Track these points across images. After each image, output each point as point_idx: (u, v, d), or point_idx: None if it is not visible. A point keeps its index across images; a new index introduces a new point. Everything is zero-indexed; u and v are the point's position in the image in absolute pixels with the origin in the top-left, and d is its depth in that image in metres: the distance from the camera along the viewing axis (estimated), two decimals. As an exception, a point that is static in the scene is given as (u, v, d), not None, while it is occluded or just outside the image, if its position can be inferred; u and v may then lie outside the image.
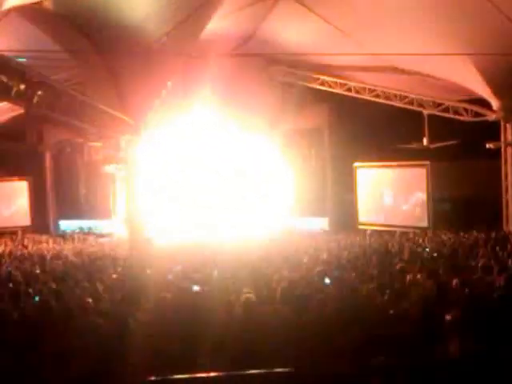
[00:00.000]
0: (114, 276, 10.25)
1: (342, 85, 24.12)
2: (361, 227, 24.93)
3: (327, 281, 9.12)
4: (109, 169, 26.28)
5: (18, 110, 22.44)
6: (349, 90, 24.00)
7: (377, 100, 23.49)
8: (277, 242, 20.98)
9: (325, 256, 14.28)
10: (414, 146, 22.42)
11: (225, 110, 25.48)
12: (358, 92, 23.83)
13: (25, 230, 27.16)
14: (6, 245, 22.36)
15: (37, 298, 8.18)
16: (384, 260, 12.19)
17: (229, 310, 6.69)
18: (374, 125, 22.53)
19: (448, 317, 5.42)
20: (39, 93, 12.82)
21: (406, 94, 22.99)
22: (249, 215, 28.20)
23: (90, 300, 7.19)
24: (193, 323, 6.18)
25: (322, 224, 26.35)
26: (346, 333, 5.64)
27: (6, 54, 11.01)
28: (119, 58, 16.42)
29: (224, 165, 30.27)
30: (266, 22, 20.60)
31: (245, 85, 24.95)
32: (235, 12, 18.92)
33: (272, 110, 26.14)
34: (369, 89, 23.65)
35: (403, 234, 21.28)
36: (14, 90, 11.53)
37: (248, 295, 6.59)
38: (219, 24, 18.73)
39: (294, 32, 20.66)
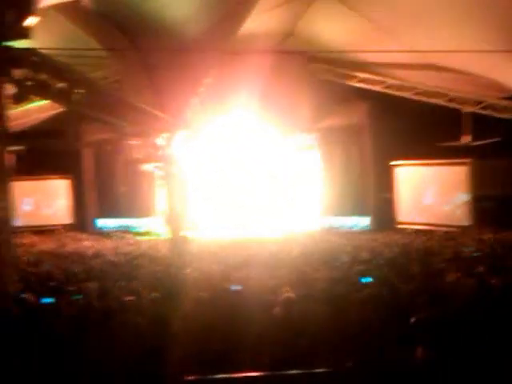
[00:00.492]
0: (153, 275, 10.21)
1: (381, 82, 23.89)
2: (401, 226, 24.62)
3: (367, 280, 8.95)
4: (148, 167, 26.46)
5: (58, 109, 22.68)
6: (388, 87, 23.78)
7: (417, 98, 23.15)
8: (316, 240, 20.86)
9: (364, 255, 14.10)
10: (456, 143, 22.03)
11: (263, 108, 25.32)
12: (397, 90, 23.57)
13: (65, 227, 27.51)
14: (46, 242, 22.63)
15: (77, 297, 8.18)
16: (425, 259, 11.99)
17: (268, 309, 6.61)
18: (414, 123, 22.13)
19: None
20: (78, 91, 12.89)
21: (446, 91, 22.61)
22: (287, 214, 28.12)
23: (130, 298, 7.17)
24: (232, 322, 6.11)
25: (361, 223, 26.02)
26: (385, 332, 5.51)
27: (45, 52, 11.02)
28: (157, 55, 16.43)
29: (261, 163, 30.25)
30: (305, 18, 20.43)
31: (284, 83, 24.83)
32: (274, 9, 18.79)
33: (311, 108, 25.98)
34: (409, 87, 23.34)
35: (444, 233, 20.96)
36: (54, 88, 11.60)
37: (288, 294, 6.52)
38: (258, 21, 18.62)
39: (333, 29, 20.46)
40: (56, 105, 20.95)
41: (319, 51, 23.24)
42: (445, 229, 22.29)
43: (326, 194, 27.11)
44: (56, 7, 13.73)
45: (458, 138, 22.09)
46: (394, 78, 23.40)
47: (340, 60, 23.74)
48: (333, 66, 25.02)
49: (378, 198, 25.95)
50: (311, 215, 27.61)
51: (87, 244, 22.58)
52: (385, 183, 25.42)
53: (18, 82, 9.95)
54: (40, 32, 9.45)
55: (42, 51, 10.83)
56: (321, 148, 27.51)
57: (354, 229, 25.71)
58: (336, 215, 26.57)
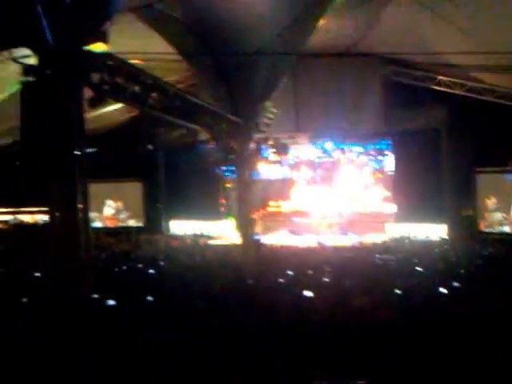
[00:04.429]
0: (226, 279, 10.13)
1: (461, 85, 23.04)
2: (482, 236, 23.60)
3: (443, 291, 8.61)
4: (220, 171, 26.59)
5: (132, 112, 23.00)
6: (469, 90, 22.88)
7: (499, 101, 22.28)
8: (390, 248, 20.44)
9: (441, 265, 13.64)
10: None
11: (335, 112, 24.95)
12: (479, 93, 22.65)
13: (138, 230, 27.85)
14: (120, 245, 22.94)
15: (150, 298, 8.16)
16: (509, 271, 11.44)
17: (340, 316, 6.45)
18: (497, 127, 21.29)
19: None
20: (153, 95, 12.99)
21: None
22: (360, 220, 27.77)
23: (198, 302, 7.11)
24: (304, 328, 5.96)
25: (439, 231, 25.17)
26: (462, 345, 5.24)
27: (120, 55, 11.13)
28: (231, 58, 16.42)
29: (334, 168, 30.02)
30: (380, 20, 20.00)
31: (357, 85, 24.45)
32: (348, 10, 18.48)
33: (385, 112, 25.38)
34: (489, 89, 22.46)
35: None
36: (129, 91, 11.71)
37: (360, 302, 6.41)
38: (332, 23, 18.35)
39: (408, 30, 19.95)
40: (130, 108, 21.31)
41: (393, 53, 22.75)
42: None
43: (400, 201, 26.41)
44: (132, 11, 13.90)
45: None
46: (473, 80, 22.53)
47: (416, 62, 23.14)
48: (409, 69, 24.36)
49: (456, 205, 25.05)
50: (384, 222, 27.09)
51: (160, 247, 22.76)
52: (465, 190, 24.48)
53: (94, 86, 10.07)
54: (116, 36, 9.52)
55: (117, 55, 10.93)
56: (395, 153, 26.90)
57: (431, 237, 24.89)
58: (411, 222, 25.80)
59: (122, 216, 29.50)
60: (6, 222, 31.39)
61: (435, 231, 25.14)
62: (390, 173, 28.03)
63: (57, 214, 8.91)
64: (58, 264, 9.11)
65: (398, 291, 8.41)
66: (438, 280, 9.56)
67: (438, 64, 22.08)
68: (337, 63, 23.80)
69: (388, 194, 27.97)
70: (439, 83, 23.74)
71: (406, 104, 24.32)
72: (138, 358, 5.14)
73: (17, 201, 28.08)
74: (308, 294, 8.12)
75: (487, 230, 24.05)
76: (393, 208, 27.25)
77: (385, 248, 20.49)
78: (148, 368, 5.00)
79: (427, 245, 22.29)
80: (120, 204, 29.51)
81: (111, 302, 7.22)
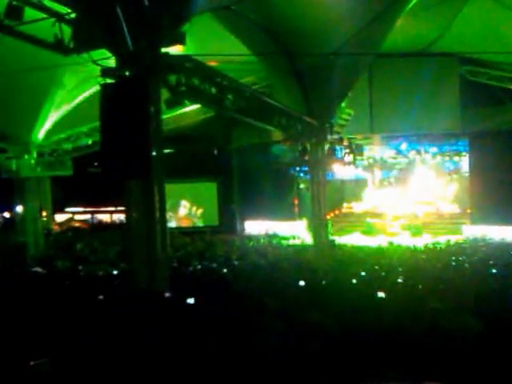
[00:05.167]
0: (302, 282, 10.08)
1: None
2: None
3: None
4: (294, 171, 26.58)
5: (208, 113, 23.24)
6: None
7: None
8: (465, 250, 19.98)
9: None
10: None
11: (411, 111, 24.49)
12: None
13: (213, 230, 28.13)
14: (195, 245, 23.21)
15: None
16: None
17: (414, 318, 6.31)
18: None
19: None
20: (229, 96, 13.06)
21: None
22: (435, 221, 27.31)
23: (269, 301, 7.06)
24: (376, 329, 5.85)
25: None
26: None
27: (197, 57, 11.23)
28: (307, 59, 16.33)
29: (409, 168, 29.64)
30: (458, 19, 19.50)
31: (433, 85, 23.93)
32: (425, 10, 18.12)
33: (462, 112, 24.72)
34: None
35: None
36: (205, 93, 11.81)
37: (435, 304, 6.28)
38: (408, 23, 18.02)
39: (486, 29, 19.37)
40: (206, 109, 21.53)
41: (471, 52, 22.13)
42: None
43: (476, 202, 25.71)
44: (209, 13, 13.98)
45: None
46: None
47: (494, 62, 22.45)
48: (486, 68, 23.67)
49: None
50: (458, 223, 26.54)
51: (234, 247, 22.92)
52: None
53: (171, 88, 10.20)
54: (193, 38, 9.60)
55: (194, 57, 11.03)
56: (472, 154, 26.22)
57: (507, 239, 24.12)
58: (488, 224, 25.08)
59: (197, 215, 29.90)
60: (84, 221, 32.35)
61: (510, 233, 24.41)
62: (466, 174, 27.46)
63: (134, 214, 9.06)
64: (135, 263, 9.27)
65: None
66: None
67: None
68: (413, 63, 23.42)
69: (464, 195, 27.40)
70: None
71: (483, 104, 23.67)
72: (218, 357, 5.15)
73: (95, 200, 28.87)
74: (381, 294, 8.03)
75: None
76: (468, 209, 26.68)
77: (460, 249, 20.06)
78: (226, 366, 5.00)
79: (503, 247, 21.61)
80: (195, 204, 29.92)
81: (191, 301, 7.27)
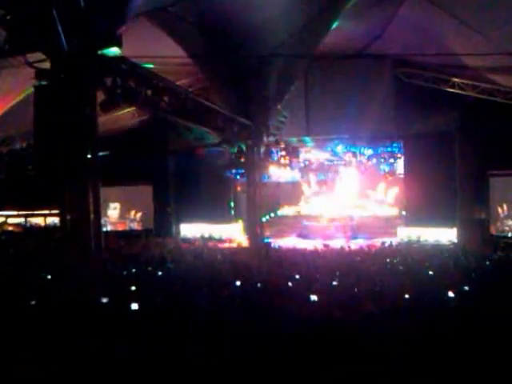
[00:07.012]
0: (238, 283, 10.13)
1: (474, 87, 22.64)
2: (493, 240, 23.27)
3: (451, 295, 8.58)
4: (229, 174, 26.59)
5: (143, 116, 23.05)
6: (481, 92, 22.46)
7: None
8: (398, 252, 20.39)
9: (452, 269, 13.59)
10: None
11: (346, 113, 24.75)
12: (491, 95, 22.24)
13: (149, 233, 27.89)
14: (130, 248, 22.96)
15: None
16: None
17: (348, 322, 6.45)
18: (511, 129, 21.06)
19: None
20: (165, 98, 13.02)
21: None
22: (370, 223, 27.77)
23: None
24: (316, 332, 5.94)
25: (449, 235, 25.00)
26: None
27: (133, 59, 11.16)
28: (243, 61, 16.41)
29: (344, 171, 30.04)
30: (394, 21, 19.87)
31: (368, 87, 24.24)
32: (361, 12, 18.39)
33: (397, 114, 25.06)
34: (503, 91, 22.04)
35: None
36: (141, 95, 11.74)
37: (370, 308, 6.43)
38: (344, 24, 18.27)
39: (421, 31, 19.83)
40: (141, 112, 21.36)
41: (405, 54, 22.49)
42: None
43: (411, 204, 26.24)
44: (145, 14, 13.89)
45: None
46: (486, 81, 22.12)
47: (428, 63, 22.91)
48: (421, 70, 24.14)
49: (469, 208, 24.74)
50: (395, 225, 27.03)
51: (169, 249, 22.77)
52: (476, 193, 24.25)
53: (107, 90, 10.10)
54: (128, 40, 9.54)
55: (130, 59, 10.95)
56: (407, 156, 26.71)
57: (442, 241, 24.75)
58: (422, 226, 25.63)
59: (132, 219, 29.63)
60: (18, 224, 31.55)
61: (445, 235, 25.02)
62: (401, 176, 27.95)
63: (68, 217, 8.96)
64: (68, 266, 9.15)
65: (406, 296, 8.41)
66: (448, 284, 9.48)
67: (451, 65, 21.81)
68: (348, 65, 23.62)
69: (399, 197, 27.94)
70: (451, 85, 23.34)
71: (417, 106, 23.96)
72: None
73: (29, 204, 28.19)
74: (313, 297, 8.15)
75: (497, 232, 23.91)
76: (403, 211, 27.20)
77: (394, 251, 20.46)
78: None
79: (437, 248, 22.18)
80: (131, 207, 29.64)
81: (135, 306, 7.21)
